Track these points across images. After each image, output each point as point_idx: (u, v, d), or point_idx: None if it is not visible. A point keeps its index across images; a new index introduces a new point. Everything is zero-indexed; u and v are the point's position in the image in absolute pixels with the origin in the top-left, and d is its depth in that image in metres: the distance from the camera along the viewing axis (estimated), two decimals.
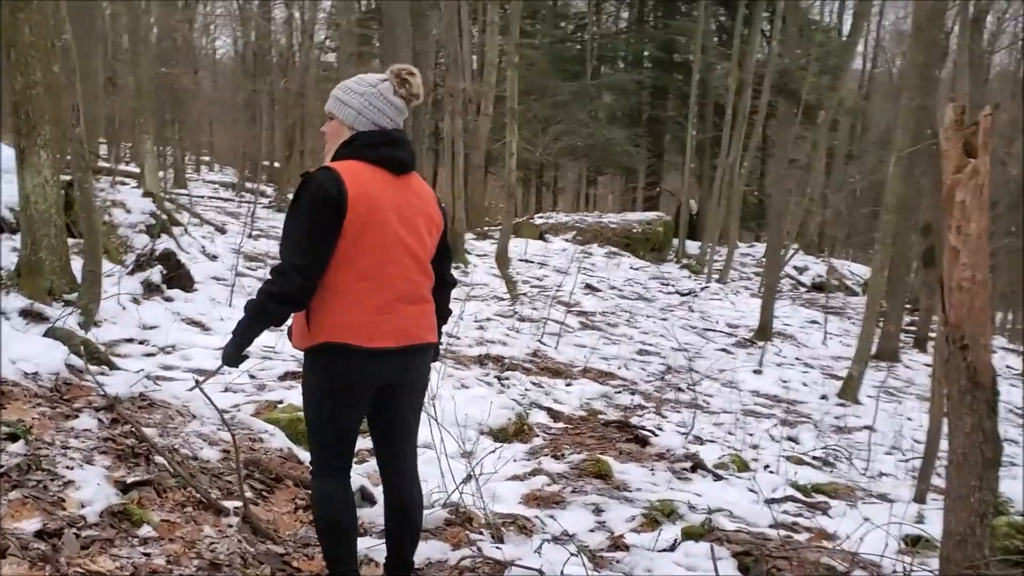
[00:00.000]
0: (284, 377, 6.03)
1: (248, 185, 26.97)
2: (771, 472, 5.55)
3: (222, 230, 11.78)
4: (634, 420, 6.74)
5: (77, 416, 3.42)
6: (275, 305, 2.47)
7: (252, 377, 5.96)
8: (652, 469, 4.86)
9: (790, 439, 7.44)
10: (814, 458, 6.53)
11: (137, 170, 10.47)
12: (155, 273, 7.48)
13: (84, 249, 6.55)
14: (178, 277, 7.67)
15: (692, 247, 23.50)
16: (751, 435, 7.23)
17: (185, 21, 31.72)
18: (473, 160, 19.54)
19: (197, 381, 3.48)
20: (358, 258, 2.52)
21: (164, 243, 8.49)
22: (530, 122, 22.59)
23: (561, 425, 5.92)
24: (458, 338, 8.93)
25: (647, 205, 30.41)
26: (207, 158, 39.88)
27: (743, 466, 5.30)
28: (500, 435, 5.08)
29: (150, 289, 7.37)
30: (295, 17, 31.12)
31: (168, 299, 7.44)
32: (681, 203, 25.39)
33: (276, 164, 29.26)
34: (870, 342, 9.69)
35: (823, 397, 9.79)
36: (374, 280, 2.54)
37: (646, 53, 32.04)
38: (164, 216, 9.35)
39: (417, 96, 2.70)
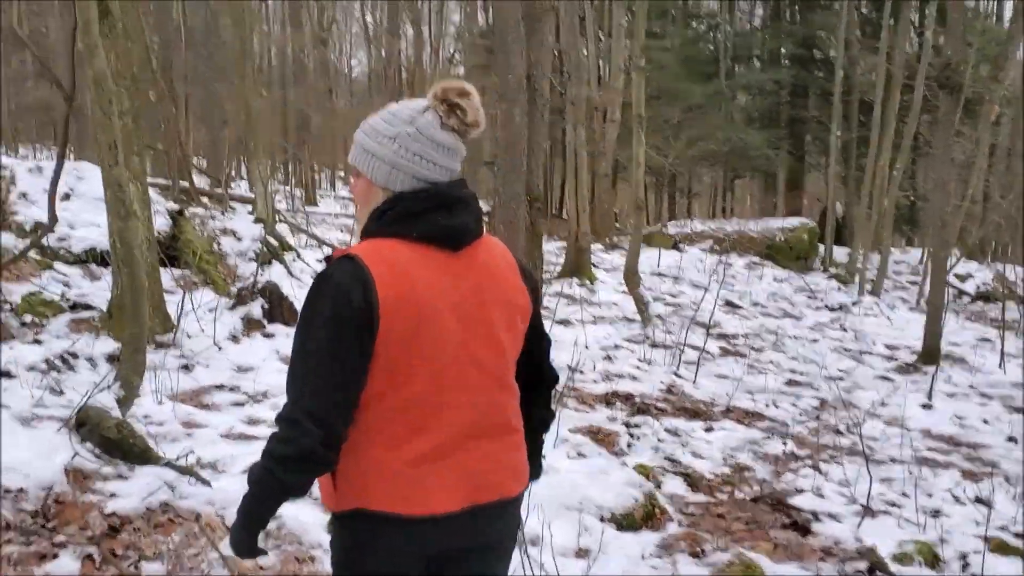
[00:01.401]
0: None
1: None
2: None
3: None
4: (788, 478, 5.77)
5: (56, 556, 2.75)
6: (287, 472, 1.70)
7: None
8: (818, 572, 3.90)
9: (980, 501, 6.24)
10: (1017, 535, 5.37)
11: (252, 195, 10.18)
12: (256, 307, 7.04)
13: (185, 283, 6.15)
14: (281, 310, 7.19)
15: (839, 254, 21.93)
16: (930, 496, 6.10)
17: (319, 43, 32.46)
18: (600, 168, 18.72)
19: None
20: (401, 387, 1.76)
21: (271, 272, 8.07)
22: (661, 127, 21.55)
23: (701, 498, 4.99)
24: (582, 372, 8.13)
25: (789, 210, 28.77)
26: (343, 174, 40.61)
27: (932, 558, 4.26)
28: (625, 521, 4.22)
29: (250, 325, 6.92)
30: (423, 32, 31.29)
31: (268, 335, 6.98)
32: (826, 208, 23.80)
33: None
34: None
35: (1011, 439, 8.41)
36: (424, 413, 1.78)
37: (783, 50, 30.38)
38: (275, 242, 8.95)
39: (475, 125, 1.88)
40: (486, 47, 24.60)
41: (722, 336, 11.49)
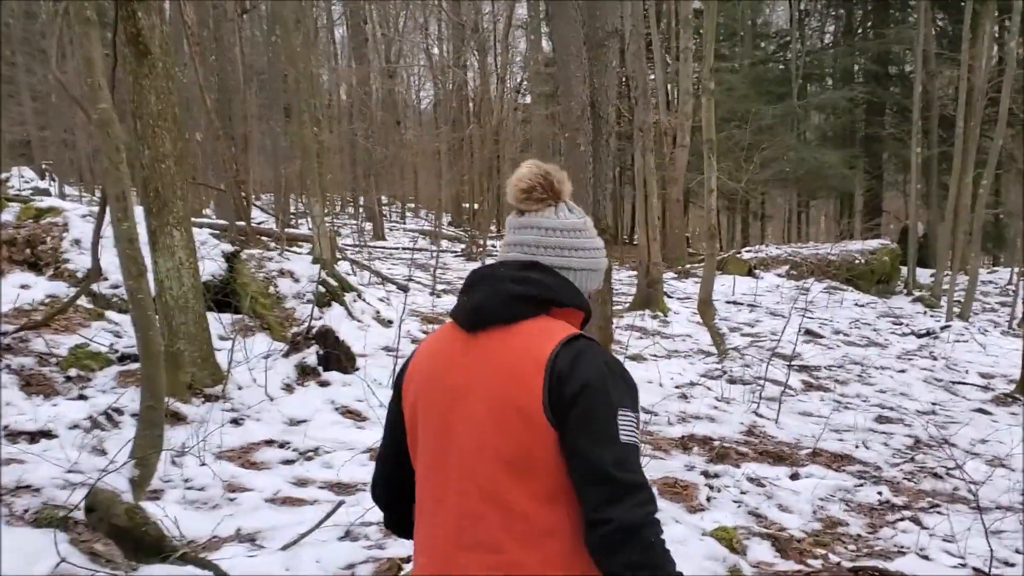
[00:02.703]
0: None
1: (446, 231, 26.99)
2: None
3: (404, 288, 11.15)
4: (886, 533, 5.21)
5: None
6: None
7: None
8: None
9: None
10: None
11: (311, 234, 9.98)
12: (311, 355, 6.76)
13: (239, 328, 5.90)
14: (337, 357, 6.90)
15: (922, 276, 20.95)
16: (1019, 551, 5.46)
17: (387, 76, 32.73)
18: (672, 194, 18.25)
19: None
20: (415, 465, 1.75)
21: (327, 316, 7.81)
22: (732, 150, 20.96)
23: (791, 567, 4.47)
24: (656, 413, 7.65)
25: (866, 232, 27.77)
26: (412, 205, 40.76)
27: None
28: None
29: (304, 373, 6.64)
30: (489, 63, 31.29)
31: (324, 383, 6.67)
32: (907, 227, 22.84)
33: (476, 206, 29.26)
34: None
35: None
36: (424, 507, 1.71)
37: (857, 67, 29.55)
38: (335, 283, 8.71)
39: (527, 192, 1.73)
40: (551, 74, 24.39)
41: (803, 368, 10.86)
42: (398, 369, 1.90)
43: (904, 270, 20.37)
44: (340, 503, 3.98)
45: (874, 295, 18.31)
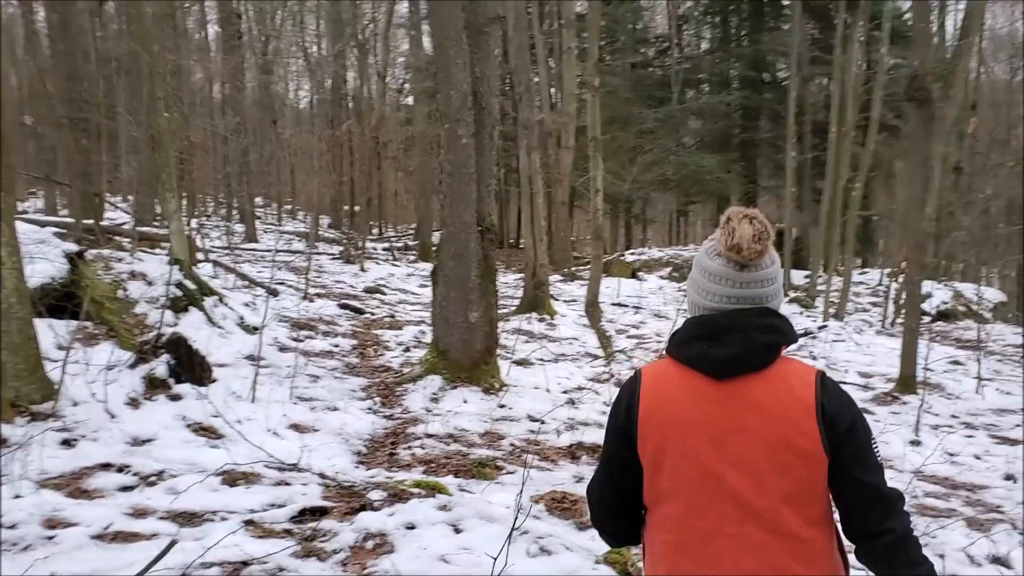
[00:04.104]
0: (299, 516, 4.42)
1: (325, 233, 26.06)
2: None
3: (273, 292, 10.42)
4: None
5: None
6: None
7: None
8: None
9: (997, 561, 5.44)
10: None
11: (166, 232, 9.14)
12: (160, 365, 6.02)
13: (78, 336, 5.15)
14: (191, 367, 6.19)
15: (797, 277, 21.41)
16: (942, 557, 5.27)
17: (262, 72, 31.49)
18: (556, 196, 17.98)
19: None
20: (658, 503, 1.88)
21: (184, 322, 7.07)
22: (616, 153, 20.92)
23: None
24: (543, 422, 7.24)
25: None
26: (290, 207, 39.44)
27: None
28: None
29: (153, 386, 5.90)
30: (369, 60, 30.50)
31: (175, 397, 5.95)
32: (782, 230, 23.35)
33: (356, 208, 28.39)
34: None
35: (1009, 477, 7.66)
36: (683, 538, 1.83)
37: (734, 73, 30.12)
38: (194, 286, 7.95)
39: (736, 248, 1.83)
40: (433, 72, 23.89)
41: None
42: (618, 410, 1.88)
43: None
44: (172, 543, 3.36)
45: None
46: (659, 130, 25.64)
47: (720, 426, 1.80)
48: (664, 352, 1.93)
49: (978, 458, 8.53)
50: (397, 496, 4.93)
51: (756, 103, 28.60)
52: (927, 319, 20.43)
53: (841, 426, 1.78)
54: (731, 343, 1.80)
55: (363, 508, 4.67)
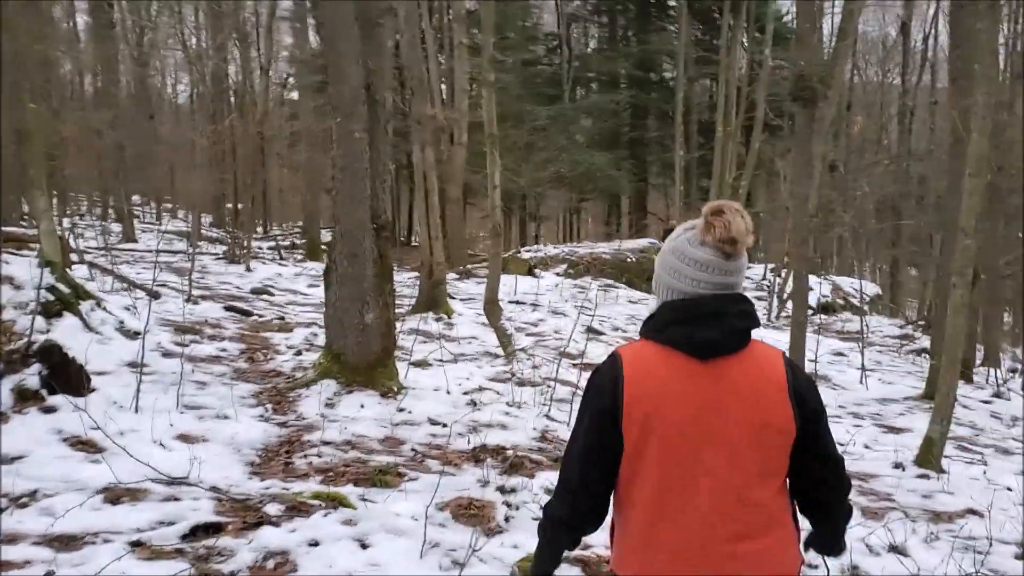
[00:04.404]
0: (191, 534, 4.10)
1: (208, 232, 25.13)
2: None
3: (155, 295, 9.88)
4: None
5: None
6: (554, 528, 2.08)
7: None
8: None
9: (895, 550, 5.55)
10: None
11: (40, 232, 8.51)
12: (32, 375, 5.55)
13: None
14: (66, 377, 5.73)
15: None
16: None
17: (140, 65, 30.12)
18: (450, 193, 17.78)
19: None
20: (639, 475, 1.96)
21: (57, 328, 6.56)
22: (510, 150, 20.85)
23: None
24: (445, 424, 7.04)
25: (634, 232, 28.77)
26: (170, 205, 37.89)
27: None
28: None
29: (23, 398, 5.43)
30: (252, 54, 29.58)
31: (49, 410, 5.49)
32: (672, 227, 23.79)
33: (240, 206, 27.44)
34: (952, 398, 7.84)
35: (897, 466, 7.89)
36: (657, 508, 1.95)
37: (622, 72, 30.51)
38: (68, 290, 7.41)
39: (731, 241, 1.96)
40: (321, 66, 23.28)
41: (588, 367, 10.65)
42: (600, 392, 1.96)
43: None
44: (49, 573, 3.03)
45: (645, 292, 18.78)
46: (551, 128, 25.72)
47: (702, 403, 1.93)
48: (645, 337, 2.03)
49: (868, 447, 8.80)
50: (296, 509, 4.66)
51: (644, 102, 29.08)
52: (810, 312, 21.16)
53: (810, 403, 2.01)
54: (714, 327, 1.94)
55: (260, 522, 4.39)
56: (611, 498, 2.05)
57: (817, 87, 11.50)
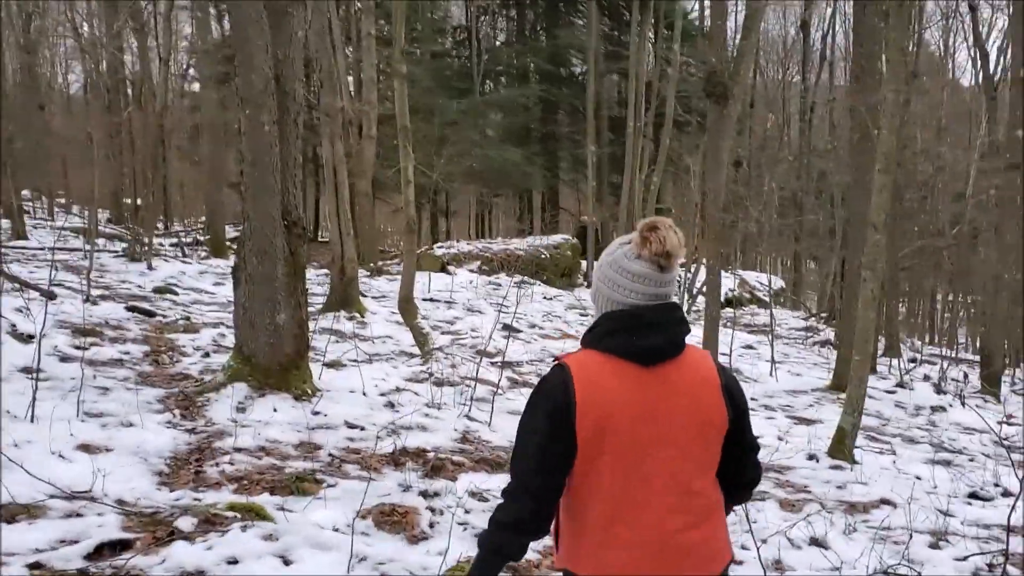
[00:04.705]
0: (97, 553, 3.82)
1: (106, 229, 24.09)
2: None
3: (51, 295, 9.33)
4: None
5: None
6: (506, 535, 2.11)
7: None
8: None
9: (816, 543, 5.60)
10: None
11: None
12: None
13: None
14: None
15: None
16: (764, 542, 5.35)
17: (27, 52, 28.64)
18: (360, 188, 17.42)
19: None
20: (592, 477, 2.07)
21: None
22: (421, 143, 20.58)
23: None
24: (363, 427, 6.84)
25: (546, 227, 28.83)
26: (64, 201, 36.23)
27: None
28: None
29: None
30: (150, 44, 28.49)
31: None
32: (585, 223, 23.92)
33: (139, 201, 26.38)
34: (863, 389, 8.01)
35: (811, 457, 8.03)
36: (612, 505, 2.07)
37: (532, 66, 30.50)
38: None
39: (665, 255, 2.07)
40: (225, 56, 22.54)
41: (507, 364, 10.55)
42: (551, 397, 2.03)
43: (585, 263, 21.18)
44: None
45: (560, 288, 18.81)
46: (462, 121, 25.53)
47: (649, 407, 2.05)
48: (589, 346, 2.11)
49: (781, 439, 8.93)
50: (210, 522, 4.41)
51: (556, 97, 29.13)
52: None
53: (737, 399, 2.18)
54: (658, 335, 2.08)
55: (172, 538, 4.13)
56: (559, 502, 2.14)
57: (728, 83, 11.67)
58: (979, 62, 26.84)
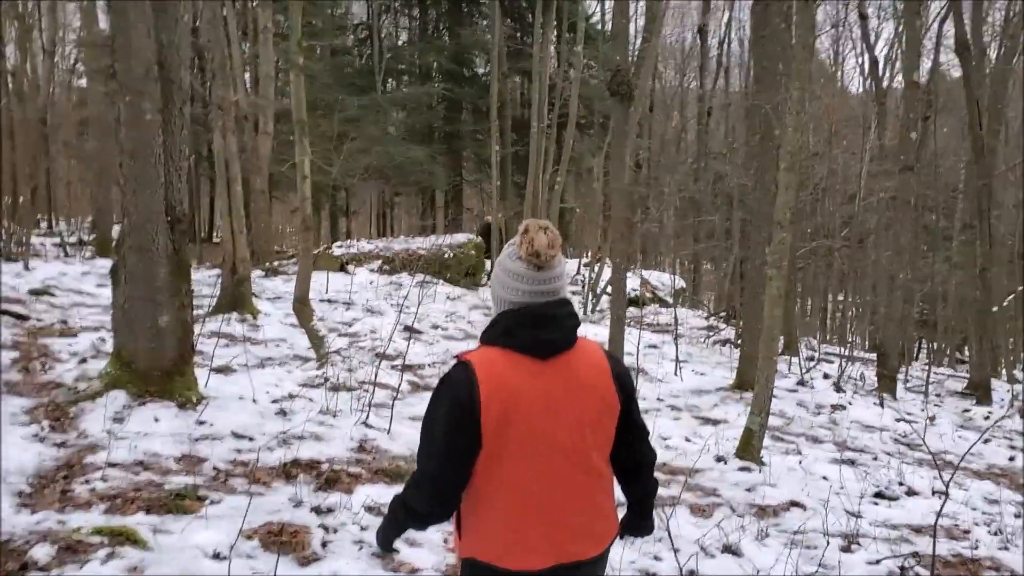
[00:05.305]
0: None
1: None
2: None
3: None
4: None
5: None
6: (408, 518, 2.29)
7: None
8: None
9: (729, 550, 5.46)
10: None
11: None
12: None
13: None
14: None
15: None
16: (676, 551, 5.17)
17: None
18: (255, 185, 16.77)
19: None
20: (500, 466, 2.19)
21: None
22: (320, 140, 19.98)
23: None
24: (251, 438, 6.41)
25: (449, 227, 28.51)
26: None
27: None
28: None
29: None
30: (34, 35, 27.02)
31: None
32: (489, 223, 23.69)
33: (20, 199, 24.91)
34: (770, 389, 7.96)
35: (720, 459, 7.94)
36: (520, 491, 2.20)
37: (435, 65, 30.11)
38: None
39: (536, 255, 2.22)
40: (109, 47, 21.46)
41: (408, 367, 10.19)
42: (456, 394, 2.12)
43: (489, 263, 20.95)
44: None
45: (464, 287, 18.51)
46: (363, 119, 24.96)
47: (550, 397, 2.19)
48: (488, 343, 2.23)
49: (688, 440, 8.83)
50: (71, 550, 3.97)
51: (459, 96, 28.83)
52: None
53: (626, 384, 2.35)
54: (553, 330, 2.23)
55: (23, 571, 3.68)
56: (463, 492, 2.23)
57: (633, 82, 11.61)
58: (868, 69, 27.74)
